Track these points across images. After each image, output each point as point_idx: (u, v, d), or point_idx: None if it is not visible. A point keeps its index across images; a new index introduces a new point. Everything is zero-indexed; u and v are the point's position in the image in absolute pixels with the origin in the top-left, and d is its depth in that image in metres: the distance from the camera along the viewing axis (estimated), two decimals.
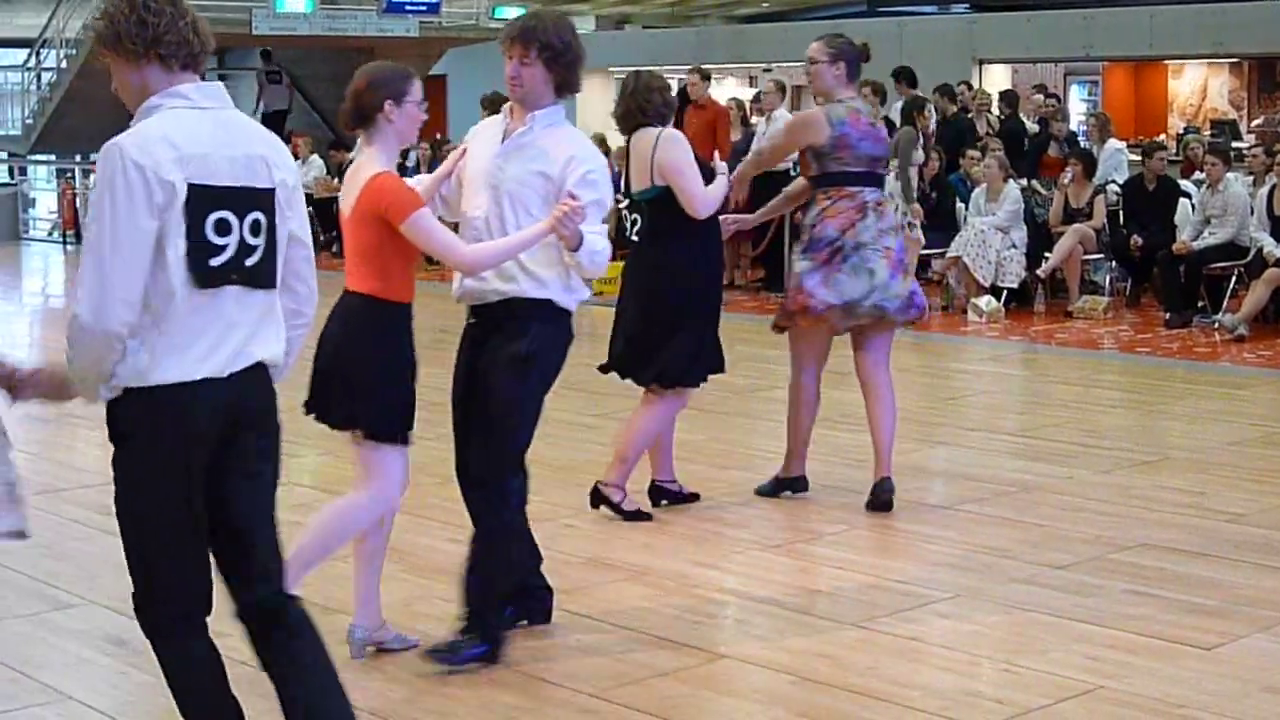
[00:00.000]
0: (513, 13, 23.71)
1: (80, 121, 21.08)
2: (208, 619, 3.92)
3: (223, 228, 3.73)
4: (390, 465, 5.07)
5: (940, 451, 8.61)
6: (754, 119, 16.60)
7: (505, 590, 5.26)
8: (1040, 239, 14.05)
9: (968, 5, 29.21)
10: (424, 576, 6.10)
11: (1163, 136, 21.27)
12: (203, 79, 3.88)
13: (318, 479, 7.66)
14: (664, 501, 7.27)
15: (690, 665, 5.22)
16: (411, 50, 25.21)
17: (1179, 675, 5.09)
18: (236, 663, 4.03)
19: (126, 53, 3.76)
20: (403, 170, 18.92)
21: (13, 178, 25.40)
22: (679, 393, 7.06)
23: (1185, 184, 14.67)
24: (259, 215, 3.80)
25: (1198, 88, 24.57)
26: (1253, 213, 12.96)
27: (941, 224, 14.23)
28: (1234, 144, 18.31)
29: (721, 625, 5.76)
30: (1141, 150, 14.65)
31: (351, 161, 5.23)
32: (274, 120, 24.58)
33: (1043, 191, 14.77)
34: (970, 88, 18.54)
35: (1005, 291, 13.74)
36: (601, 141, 18.78)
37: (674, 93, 7.16)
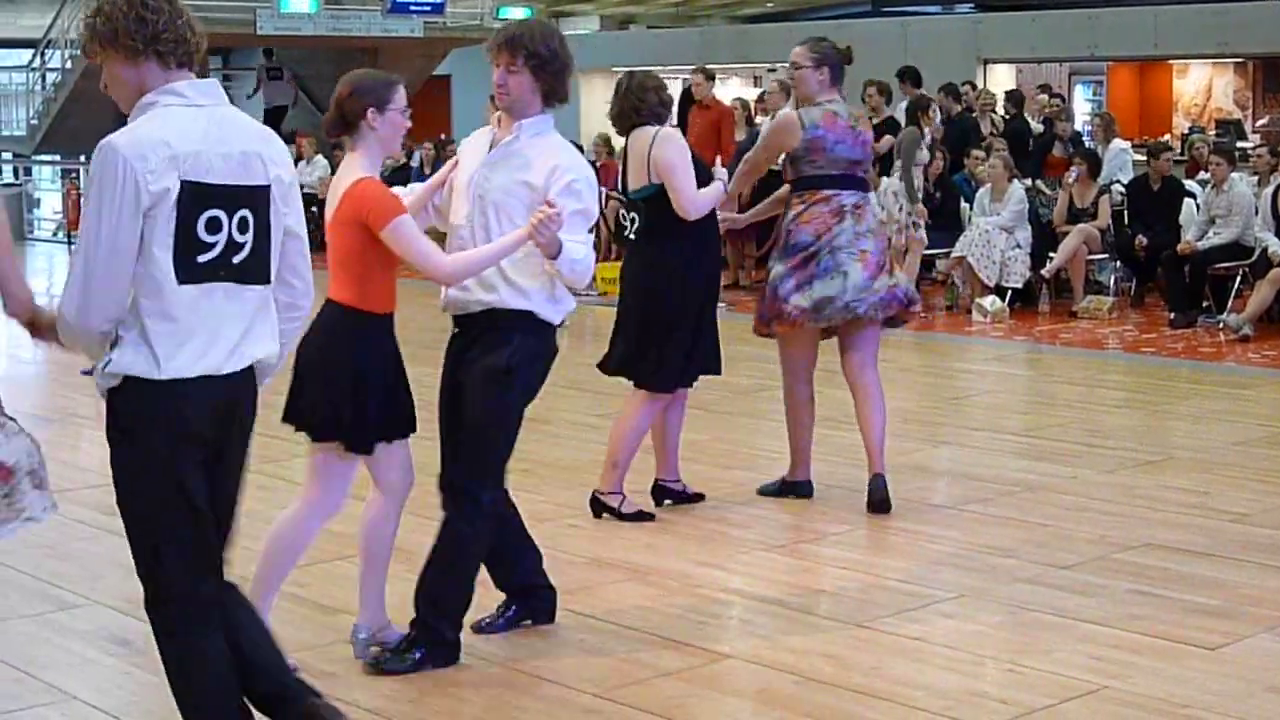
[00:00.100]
0: (517, 13, 23.72)
1: (85, 122, 21.07)
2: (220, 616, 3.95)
3: (214, 226, 3.79)
4: (341, 475, 5.07)
5: (944, 451, 8.61)
6: (758, 119, 16.60)
7: (455, 608, 5.18)
8: (1045, 239, 14.04)
9: (972, 5, 29.21)
10: None
11: (1167, 136, 21.27)
12: (198, 77, 3.91)
13: None
14: (667, 501, 7.27)
15: (694, 665, 5.22)
16: (416, 50, 25.22)
17: (1183, 675, 5.08)
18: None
19: (125, 50, 3.77)
20: (406, 171, 18.94)
21: (17, 178, 25.41)
22: (661, 394, 7.05)
23: (1190, 184, 14.66)
24: (246, 212, 3.84)
25: (1202, 87, 24.56)
26: (1257, 213, 12.94)
27: (946, 224, 14.22)
28: (1239, 144, 18.30)
29: (725, 625, 5.76)
30: (1147, 150, 14.63)
31: None
32: (274, 115, 24.59)
33: (1047, 191, 14.76)
34: (975, 88, 18.54)
35: (1010, 291, 13.73)
36: (606, 142, 18.80)
37: (670, 92, 7.13)
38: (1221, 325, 12.61)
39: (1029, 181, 14.68)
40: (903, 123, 14.70)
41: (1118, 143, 15.90)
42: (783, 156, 7.36)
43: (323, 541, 6.28)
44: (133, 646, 5.24)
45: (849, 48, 7.44)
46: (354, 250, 4.91)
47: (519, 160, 5.14)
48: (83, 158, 23.52)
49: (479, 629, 5.45)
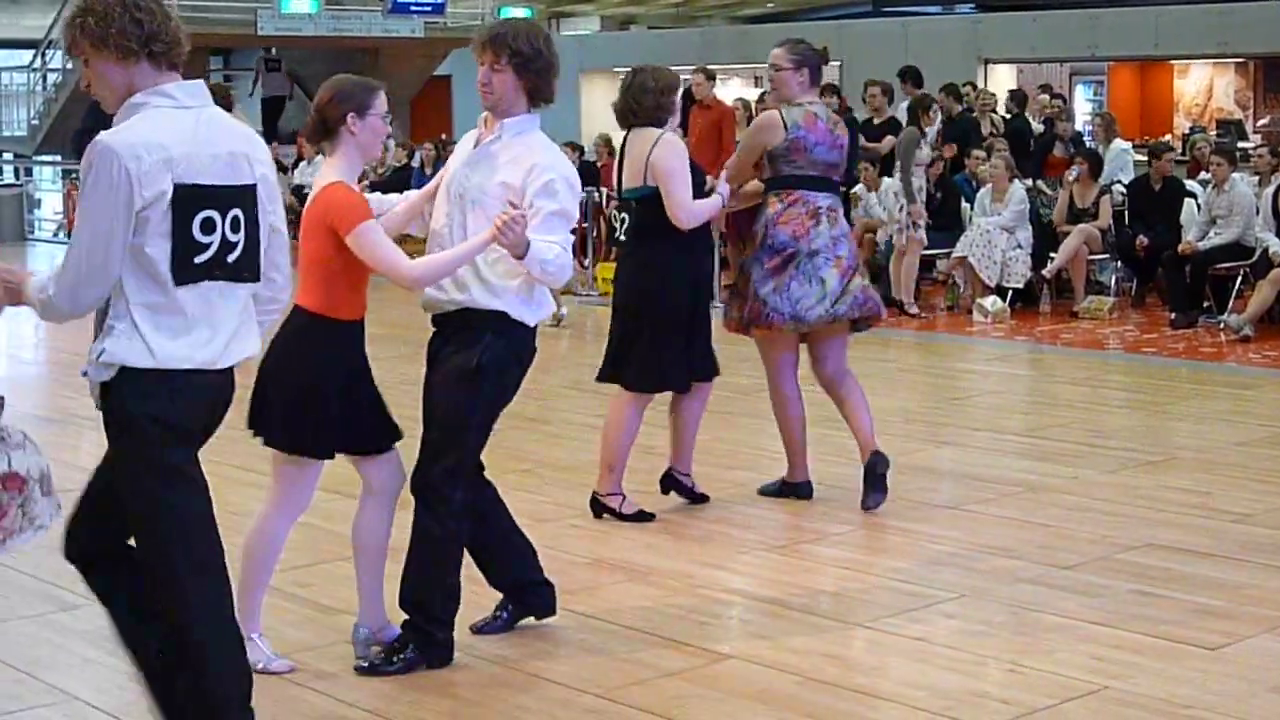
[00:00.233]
0: (518, 13, 23.71)
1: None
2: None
3: (208, 226, 3.85)
4: (305, 478, 5.08)
5: (945, 452, 8.61)
6: None
7: (440, 608, 5.15)
8: (1045, 239, 14.04)
9: (973, 5, 29.22)
10: None
11: (1168, 136, 21.27)
12: (184, 78, 3.95)
13: (325, 480, 7.65)
14: (672, 492, 7.25)
15: (696, 665, 5.22)
16: (416, 51, 25.24)
17: (1185, 676, 5.08)
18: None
19: (118, 50, 3.80)
20: (407, 172, 18.93)
21: (18, 178, 25.41)
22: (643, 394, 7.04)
23: (1191, 184, 14.66)
24: (238, 212, 3.91)
25: (1203, 87, 24.56)
26: (1258, 213, 12.94)
27: (947, 224, 14.22)
28: (1240, 144, 18.31)
29: (726, 625, 5.75)
30: (1148, 151, 14.63)
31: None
32: (272, 106, 24.63)
33: (1048, 192, 14.75)
34: (975, 88, 18.54)
35: (1010, 292, 13.72)
36: (607, 143, 18.80)
37: (676, 91, 6.97)
38: (1222, 325, 12.61)
39: (1030, 181, 14.67)
40: (904, 123, 14.70)
41: (1119, 143, 15.90)
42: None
43: (324, 542, 6.31)
44: None
45: (826, 48, 7.45)
46: (321, 256, 4.89)
47: (498, 160, 5.09)
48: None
49: (476, 630, 5.44)
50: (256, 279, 4.01)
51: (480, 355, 5.03)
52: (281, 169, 20.70)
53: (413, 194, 5.48)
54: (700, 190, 6.90)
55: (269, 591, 5.34)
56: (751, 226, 7.41)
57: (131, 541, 4.07)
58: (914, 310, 13.67)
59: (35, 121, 25.28)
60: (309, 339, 4.92)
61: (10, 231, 22.61)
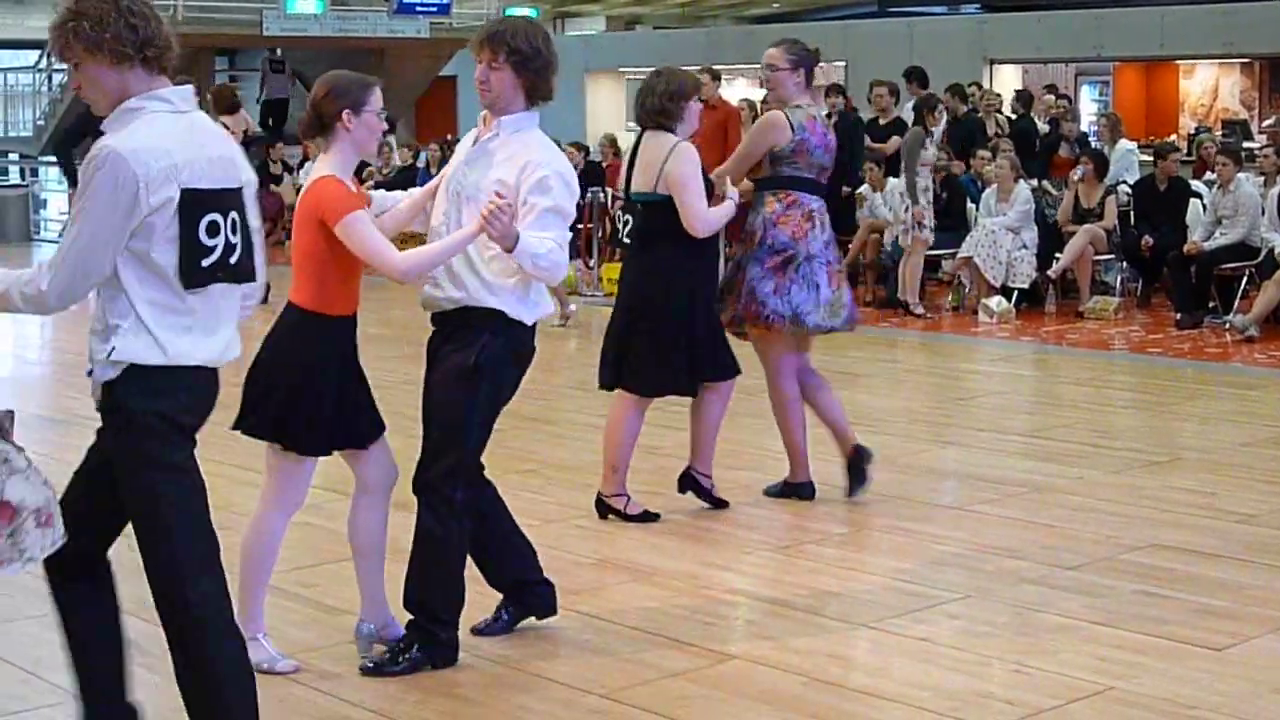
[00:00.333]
0: (523, 13, 23.71)
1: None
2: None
3: (213, 229, 3.88)
4: (299, 474, 5.08)
5: (950, 452, 8.60)
6: None
7: (444, 608, 5.15)
8: (1051, 239, 14.04)
9: (978, 5, 29.22)
10: None
11: (1174, 137, 21.26)
12: (189, 79, 3.99)
13: (327, 480, 7.66)
14: (689, 492, 7.22)
15: (700, 666, 5.22)
16: (422, 51, 25.24)
17: (1189, 676, 5.08)
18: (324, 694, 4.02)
19: (113, 55, 3.83)
20: (412, 171, 18.95)
21: (24, 179, 25.44)
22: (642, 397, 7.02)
23: (1196, 184, 14.65)
24: (235, 214, 3.95)
25: (1209, 88, 24.55)
26: (1264, 213, 12.93)
27: (952, 224, 14.22)
28: (1245, 144, 18.30)
29: (731, 626, 5.75)
30: (1154, 151, 14.62)
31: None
32: (276, 107, 24.66)
33: (1053, 192, 14.75)
34: (980, 88, 18.53)
35: (1016, 292, 13.72)
36: (612, 142, 18.82)
37: (686, 96, 6.80)
38: (1228, 326, 12.60)
39: (1035, 182, 14.67)
40: (910, 123, 14.69)
41: (1124, 143, 15.89)
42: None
43: (327, 542, 6.31)
44: (139, 647, 5.22)
45: (818, 49, 7.41)
46: (312, 249, 4.90)
47: (495, 158, 5.08)
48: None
49: (477, 631, 5.43)
50: (254, 279, 4.06)
51: (478, 354, 5.02)
52: (287, 169, 20.72)
53: (416, 191, 5.48)
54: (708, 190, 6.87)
55: (273, 592, 5.35)
56: (741, 225, 7.40)
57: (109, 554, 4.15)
58: (919, 310, 13.67)
59: (41, 122, 25.30)
60: (302, 336, 4.93)
61: (16, 232, 22.64)
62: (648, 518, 7.01)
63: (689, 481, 7.26)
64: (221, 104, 14.26)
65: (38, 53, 26.15)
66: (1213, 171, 14.08)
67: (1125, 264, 14.30)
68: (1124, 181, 14.97)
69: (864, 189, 14.76)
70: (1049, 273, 13.95)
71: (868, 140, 15.25)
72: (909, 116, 15.13)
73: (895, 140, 14.73)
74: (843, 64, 24.04)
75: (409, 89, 25.66)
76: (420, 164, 19.48)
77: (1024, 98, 17.98)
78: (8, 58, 29.18)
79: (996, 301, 13.53)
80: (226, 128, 13.78)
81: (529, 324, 5.14)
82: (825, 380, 7.44)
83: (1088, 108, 23.54)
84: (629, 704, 4.88)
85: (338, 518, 5.77)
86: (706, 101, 15.17)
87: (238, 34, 24.47)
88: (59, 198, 24.90)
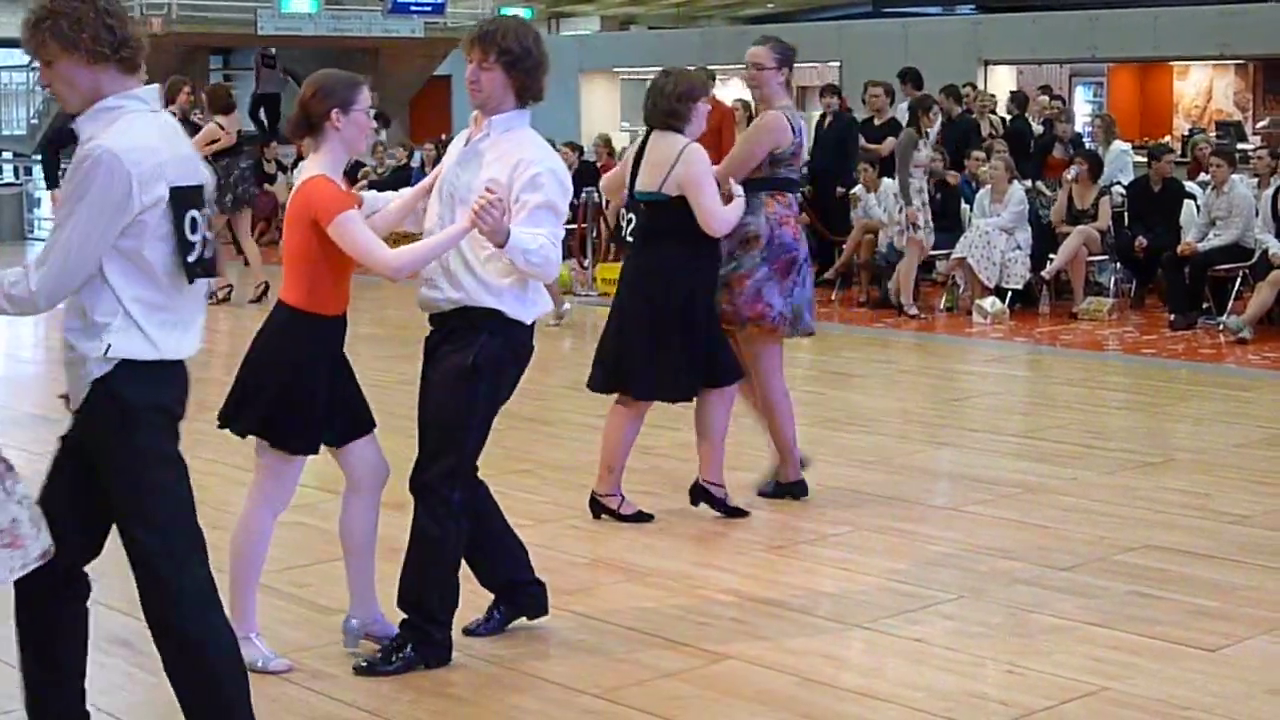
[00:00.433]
0: (518, 13, 23.70)
1: None
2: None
3: (195, 225, 3.94)
4: (287, 472, 5.08)
5: (944, 452, 8.61)
6: None
7: (438, 608, 5.15)
8: (1045, 240, 14.04)
9: (973, 6, 29.25)
10: None
11: (1168, 138, 21.28)
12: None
13: (321, 479, 7.66)
14: (701, 505, 7.11)
15: (694, 666, 5.22)
16: (416, 51, 25.24)
17: (1183, 677, 5.08)
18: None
19: (89, 54, 3.87)
20: (407, 171, 18.93)
21: (18, 178, 25.42)
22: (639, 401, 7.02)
23: (1190, 185, 14.66)
24: (205, 210, 4.01)
25: (1203, 89, 24.58)
26: (1258, 214, 12.94)
27: (947, 225, 14.22)
28: (1239, 145, 18.33)
29: (725, 626, 5.75)
30: (1148, 152, 14.64)
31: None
32: (269, 102, 24.68)
33: (1047, 193, 14.76)
34: (975, 89, 18.55)
35: (1010, 293, 13.73)
36: (606, 143, 18.81)
37: (695, 97, 6.75)
38: (1221, 327, 12.60)
39: (1029, 183, 14.68)
40: (905, 123, 14.70)
41: (1118, 144, 15.91)
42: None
43: (322, 542, 6.30)
44: (133, 647, 5.23)
45: (795, 48, 7.38)
46: (303, 249, 4.90)
47: (486, 158, 5.07)
48: None
49: (469, 631, 5.43)
50: (217, 274, 4.12)
51: (476, 354, 5.02)
52: (281, 169, 20.71)
53: (407, 191, 5.48)
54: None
55: (266, 591, 5.35)
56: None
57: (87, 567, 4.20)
58: (913, 311, 13.67)
59: (35, 120, 25.31)
60: (293, 335, 4.93)
61: (10, 231, 22.62)
62: (641, 518, 7.01)
63: (701, 494, 7.14)
64: (217, 104, 14.25)
65: None
66: (1207, 173, 14.09)
67: (1119, 265, 14.31)
68: (1118, 182, 14.99)
69: (858, 189, 14.77)
70: (1043, 274, 13.95)
71: (862, 141, 15.25)
72: (904, 117, 15.14)
73: (890, 141, 14.73)
74: (837, 64, 24.06)
75: (403, 88, 25.66)
76: (415, 163, 19.47)
77: (1019, 99, 18.00)
78: (1, 56, 29.15)
79: (990, 302, 13.53)
80: (221, 128, 13.91)
81: (528, 323, 5.14)
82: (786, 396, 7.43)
83: (1082, 109, 23.57)
84: (623, 704, 4.89)
85: (330, 517, 5.77)
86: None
87: (232, 33, 24.47)
88: None
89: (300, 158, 20.29)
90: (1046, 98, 18.32)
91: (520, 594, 5.53)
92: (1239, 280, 13.08)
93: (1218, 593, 5.97)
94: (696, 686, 5.05)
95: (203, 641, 3.99)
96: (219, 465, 7.08)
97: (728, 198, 6.76)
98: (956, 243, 13.92)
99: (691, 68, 7.93)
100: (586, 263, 15.78)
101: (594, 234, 16.12)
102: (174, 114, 14.84)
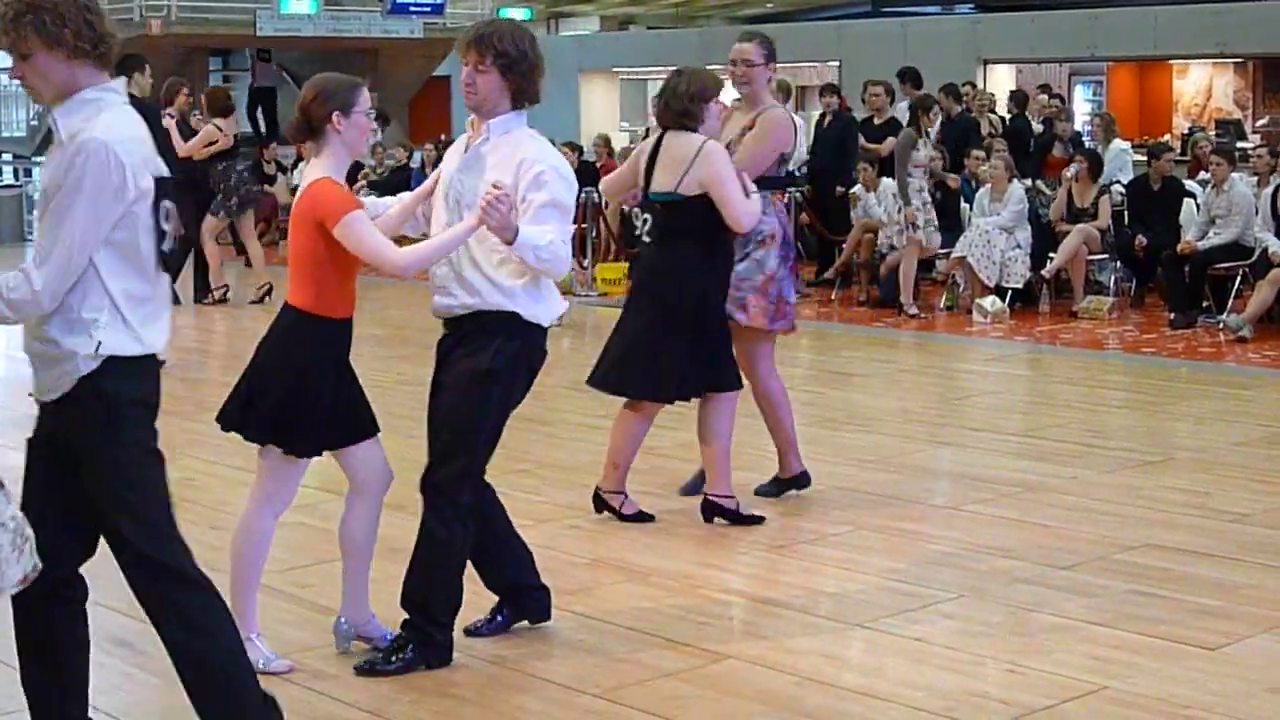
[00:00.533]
0: (517, 14, 23.73)
1: None
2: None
3: (167, 215, 3.99)
4: (290, 475, 5.09)
5: (945, 452, 8.61)
6: None
7: (442, 610, 5.15)
8: (1045, 239, 14.04)
9: (972, 5, 29.25)
10: None
11: (1167, 137, 21.28)
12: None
13: (322, 480, 7.66)
14: (717, 519, 6.97)
15: (695, 666, 5.22)
16: (416, 51, 25.22)
17: (1184, 676, 5.08)
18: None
19: (71, 49, 3.88)
20: (406, 172, 18.94)
21: (17, 179, 25.41)
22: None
23: (1190, 184, 14.66)
24: (169, 202, 4.04)
25: (1202, 88, 24.57)
26: (1257, 213, 12.94)
27: (946, 224, 14.22)
28: (1239, 144, 18.32)
29: (725, 626, 5.75)
30: (1148, 151, 14.63)
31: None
32: (264, 96, 24.69)
33: (1047, 192, 14.75)
34: (974, 88, 18.55)
35: (1010, 292, 13.72)
36: (606, 142, 18.83)
37: (707, 97, 6.78)
38: (1221, 326, 12.60)
39: (1029, 182, 14.68)
40: (905, 123, 14.70)
41: (1118, 143, 15.91)
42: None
43: (323, 542, 6.30)
44: (132, 647, 5.23)
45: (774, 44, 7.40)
46: (309, 252, 4.90)
47: (489, 160, 5.07)
48: None
49: (470, 632, 5.43)
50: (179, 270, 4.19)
51: (492, 359, 5.02)
52: (281, 169, 20.71)
53: (406, 196, 5.48)
54: None
55: (267, 592, 5.35)
56: None
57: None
58: (913, 310, 13.67)
59: (34, 122, 25.27)
60: (299, 338, 4.94)
61: (9, 232, 22.63)
62: (643, 518, 7.00)
63: (712, 510, 7.00)
64: (215, 106, 14.24)
65: None
66: (1207, 171, 14.09)
67: (1119, 264, 14.30)
68: (1118, 181, 14.99)
69: (857, 189, 14.76)
70: (1043, 272, 13.95)
71: (862, 140, 15.25)
72: (903, 116, 15.15)
73: (890, 141, 14.73)
74: (836, 64, 24.06)
75: (403, 89, 25.64)
76: (414, 164, 19.47)
77: (1018, 98, 18.00)
78: (0, 57, 29.14)
79: (990, 301, 13.53)
80: (220, 130, 13.91)
81: (544, 326, 5.14)
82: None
83: (1081, 107, 23.55)
84: (624, 704, 4.89)
85: (332, 518, 5.77)
86: None
87: (231, 34, 24.45)
88: None
89: (300, 158, 20.33)
90: (1046, 97, 18.32)
91: (525, 598, 5.53)
92: (1239, 279, 13.08)
93: (1218, 591, 5.97)
94: (697, 686, 5.05)
95: (201, 610, 4.05)
96: (219, 465, 7.08)
97: (747, 195, 6.77)
98: (956, 242, 13.92)
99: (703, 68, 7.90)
100: (586, 263, 15.78)
101: (594, 234, 16.12)
102: (172, 115, 14.82)
